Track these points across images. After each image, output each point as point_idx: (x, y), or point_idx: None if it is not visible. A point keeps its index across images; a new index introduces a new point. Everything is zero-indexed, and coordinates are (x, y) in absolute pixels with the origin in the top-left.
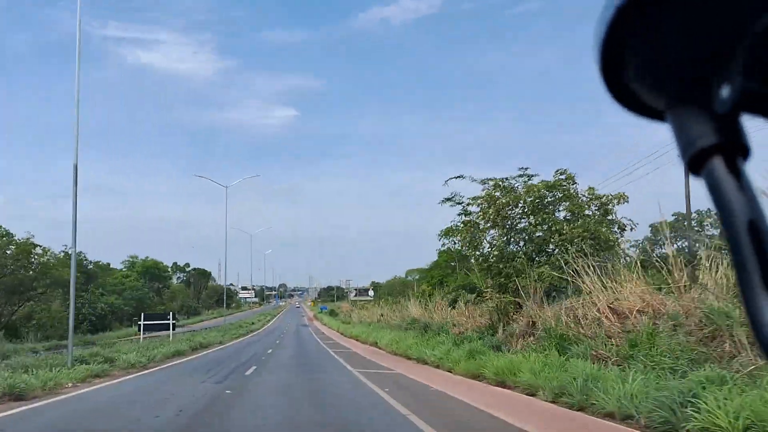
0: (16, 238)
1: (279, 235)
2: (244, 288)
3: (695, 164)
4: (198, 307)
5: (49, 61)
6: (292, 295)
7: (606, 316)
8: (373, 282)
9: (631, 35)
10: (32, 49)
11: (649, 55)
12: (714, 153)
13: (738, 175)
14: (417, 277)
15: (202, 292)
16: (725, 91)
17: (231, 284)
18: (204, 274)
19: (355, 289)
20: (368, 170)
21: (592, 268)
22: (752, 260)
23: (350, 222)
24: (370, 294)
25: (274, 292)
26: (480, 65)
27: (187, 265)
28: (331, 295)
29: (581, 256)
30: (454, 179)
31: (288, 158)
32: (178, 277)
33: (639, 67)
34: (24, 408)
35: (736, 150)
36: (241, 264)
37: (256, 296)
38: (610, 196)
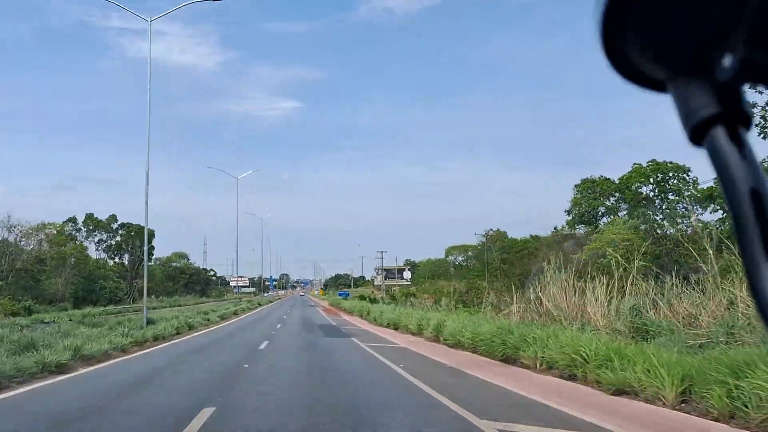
0: None
1: (282, 227)
2: (240, 277)
3: (697, 134)
4: (118, 291)
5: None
6: (295, 286)
7: None
8: (408, 260)
9: (632, 4)
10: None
11: (650, 25)
12: (716, 123)
13: (740, 144)
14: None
15: (138, 267)
16: (727, 61)
17: (226, 275)
18: (140, 233)
19: (384, 270)
20: (373, 161)
21: None
22: (754, 229)
23: (355, 213)
24: (405, 276)
25: (274, 282)
26: (486, 54)
27: (113, 218)
28: (340, 283)
29: None
30: None
31: (292, 150)
32: (100, 241)
33: (640, 37)
34: None
35: (738, 120)
36: (237, 252)
37: (253, 286)
38: None
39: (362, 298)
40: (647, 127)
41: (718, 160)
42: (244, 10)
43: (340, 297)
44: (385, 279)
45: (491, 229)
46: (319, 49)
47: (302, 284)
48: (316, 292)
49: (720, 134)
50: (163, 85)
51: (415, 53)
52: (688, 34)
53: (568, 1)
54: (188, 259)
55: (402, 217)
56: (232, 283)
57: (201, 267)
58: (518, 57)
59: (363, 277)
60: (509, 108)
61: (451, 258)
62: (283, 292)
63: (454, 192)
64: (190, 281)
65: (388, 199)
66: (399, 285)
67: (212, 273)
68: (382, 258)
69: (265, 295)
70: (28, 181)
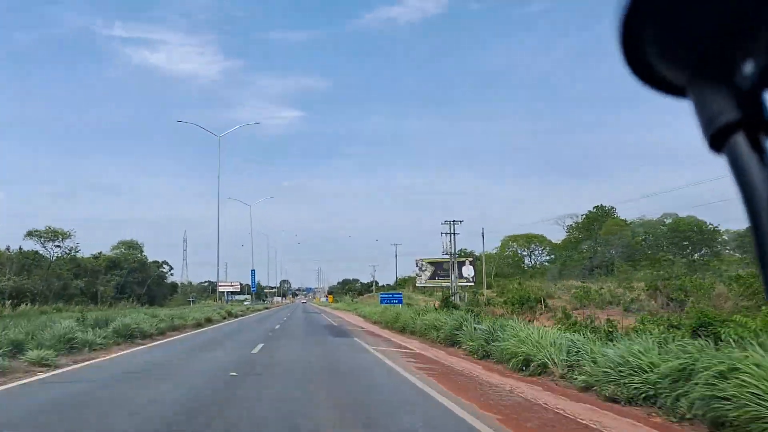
0: None
1: (283, 235)
2: (231, 282)
3: (717, 141)
4: None
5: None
6: (296, 294)
7: None
8: (463, 250)
9: (652, 8)
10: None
11: (670, 29)
12: (736, 129)
13: (760, 151)
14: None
15: None
16: (748, 67)
17: (217, 280)
18: None
19: (429, 263)
20: (376, 170)
21: None
22: None
23: (358, 221)
24: (465, 272)
25: (273, 289)
26: (489, 65)
27: None
28: (348, 288)
29: None
30: None
31: (293, 159)
32: None
33: (660, 41)
34: None
35: (759, 126)
36: (234, 259)
37: (247, 293)
38: None
39: (449, 303)
40: (647, 137)
41: (737, 167)
42: (246, 18)
43: (392, 305)
44: (436, 277)
45: (599, 206)
46: (321, 58)
47: (304, 291)
48: (323, 299)
49: (740, 141)
50: (165, 93)
51: (418, 63)
52: (709, 39)
53: (569, 14)
54: (141, 251)
55: (406, 223)
56: (221, 289)
57: (152, 261)
58: (521, 68)
59: (376, 282)
60: (510, 117)
61: (510, 250)
62: (279, 299)
63: (457, 199)
64: (132, 281)
65: (390, 206)
66: (457, 286)
67: (166, 269)
68: (452, 233)
69: (246, 303)
70: (27, 188)
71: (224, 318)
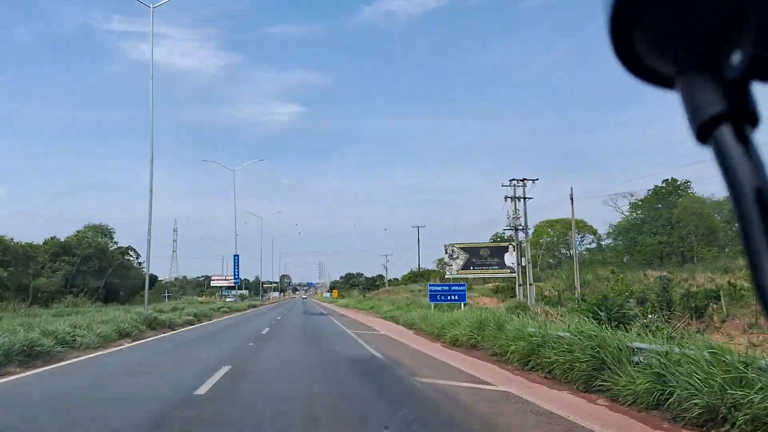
0: None
1: (283, 232)
2: (225, 277)
3: (703, 132)
4: None
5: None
6: (297, 289)
7: None
8: (499, 236)
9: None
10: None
11: (660, 19)
12: (722, 121)
13: (746, 143)
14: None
15: None
16: (736, 58)
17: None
18: None
19: (462, 249)
20: (376, 167)
21: None
22: (759, 229)
23: (359, 218)
24: (509, 262)
25: (273, 284)
26: (490, 60)
27: None
28: (352, 284)
29: None
30: None
31: (294, 156)
32: None
33: (649, 32)
34: None
35: (745, 118)
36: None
37: (249, 288)
38: None
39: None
40: (642, 136)
41: (723, 158)
42: (246, 13)
43: (450, 303)
44: (471, 266)
45: (670, 180)
46: (321, 54)
47: (305, 287)
48: (326, 295)
49: (726, 132)
50: (164, 89)
51: (418, 58)
52: (697, 29)
53: (571, 10)
54: (111, 237)
55: (406, 221)
56: (215, 283)
57: (116, 248)
58: (522, 65)
59: (381, 277)
60: (510, 117)
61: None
62: (276, 294)
63: (457, 197)
64: (87, 271)
65: (391, 204)
66: (497, 276)
67: (132, 257)
68: (522, 197)
69: (230, 299)
70: (26, 187)
71: (124, 336)
